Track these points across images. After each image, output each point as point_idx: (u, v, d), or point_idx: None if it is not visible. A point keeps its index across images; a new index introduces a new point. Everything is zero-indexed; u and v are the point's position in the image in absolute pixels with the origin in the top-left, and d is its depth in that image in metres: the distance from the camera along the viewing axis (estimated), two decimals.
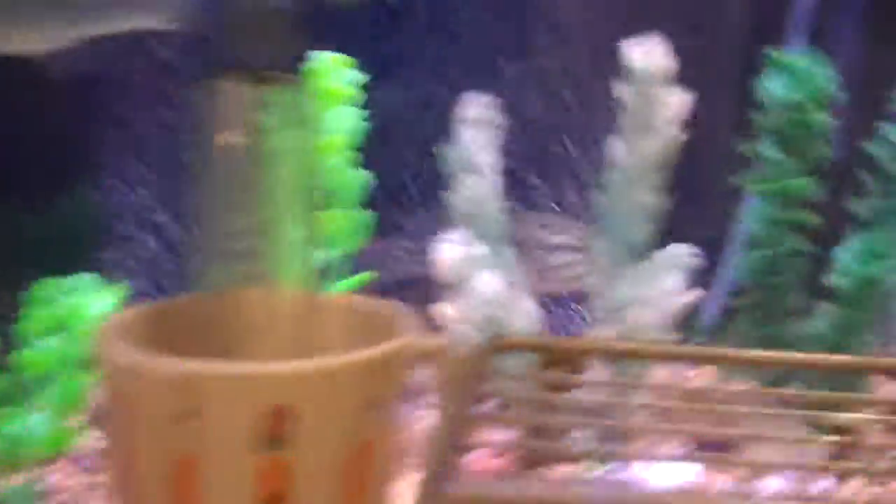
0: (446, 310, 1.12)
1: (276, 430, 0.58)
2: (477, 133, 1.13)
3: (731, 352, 0.81)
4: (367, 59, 1.12)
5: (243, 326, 0.73)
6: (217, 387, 0.57)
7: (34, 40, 1.26)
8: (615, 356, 0.83)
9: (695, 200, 1.45)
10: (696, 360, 0.94)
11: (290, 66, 0.72)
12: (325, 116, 1.01)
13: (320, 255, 0.96)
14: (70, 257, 1.33)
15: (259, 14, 0.71)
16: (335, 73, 1.02)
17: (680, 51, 1.09)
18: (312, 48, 0.94)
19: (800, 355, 0.78)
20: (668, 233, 1.20)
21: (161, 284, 1.46)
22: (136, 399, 0.60)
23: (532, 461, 0.81)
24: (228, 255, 0.75)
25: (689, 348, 0.86)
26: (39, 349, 0.99)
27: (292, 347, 0.72)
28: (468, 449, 0.61)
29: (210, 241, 0.74)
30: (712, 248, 1.29)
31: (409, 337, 0.67)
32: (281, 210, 0.74)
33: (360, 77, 1.10)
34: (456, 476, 0.54)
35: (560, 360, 0.75)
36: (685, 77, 1.12)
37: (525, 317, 1.12)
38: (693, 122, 1.33)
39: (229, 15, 0.71)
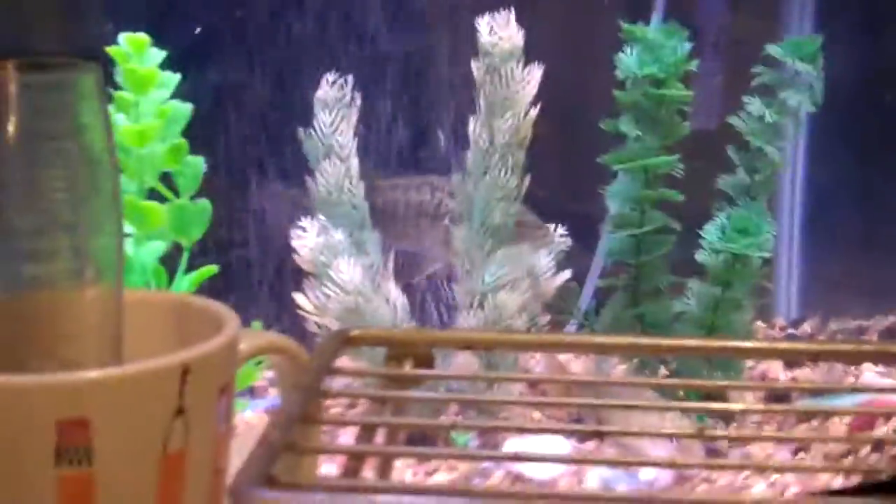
0: (303, 300, 1.08)
1: (76, 443, 0.54)
2: (334, 116, 1.09)
3: (584, 338, 0.78)
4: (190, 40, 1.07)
5: (49, 331, 0.68)
6: (12, 399, 0.52)
7: None
8: (468, 346, 0.80)
9: (570, 179, 1.43)
10: (549, 348, 0.91)
11: (77, 50, 0.67)
12: (138, 101, 0.96)
13: (152, 248, 0.91)
14: None
15: None
16: (140, 56, 0.96)
17: (542, 27, 1.06)
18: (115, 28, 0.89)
19: (669, 340, 0.76)
20: (541, 214, 1.17)
21: None
22: None
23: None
24: (21, 256, 0.68)
25: (538, 336, 0.83)
26: None
27: (103, 353, 0.67)
28: (302, 450, 0.56)
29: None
30: (587, 229, 1.27)
31: (228, 336, 0.62)
32: (81, 206, 0.68)
33: (162, 56, 1.02)
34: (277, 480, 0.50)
35: (412, 353, 0.71)
36: (547, 53, 1.09)
37: (389, 306, 1.09)
38: (564, 100, 1.31)
39: None
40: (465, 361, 1.06)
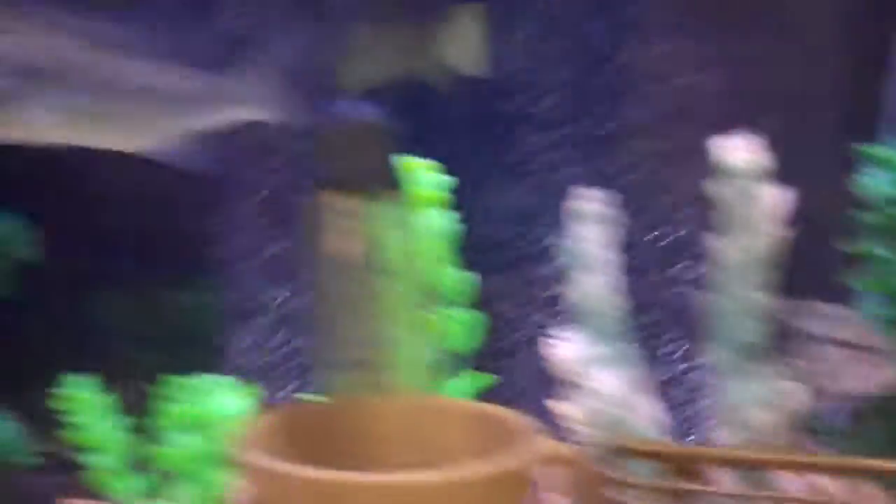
0: (565, 409, 1.13)
1: None
2: (592, 229, 1.14)
3: (861, 462, 0.80)
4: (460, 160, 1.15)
5: (366, 434, 0.76)
6: (353, 495, 0.59)
7: (134, 136, 1.32)
8: (736, 464, 0.83)
9: (804, 298, 1.44)
10: (824, 470, 0.92)
11: (387, 180, 0.76)
12: (419, 220, 1.04)
13: (434, 357, 0.99)
14: (195, 352, 1.39)
15: (356, 131, 0.75)
16: (426, 178, 1.05)
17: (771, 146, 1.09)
18: (404, 154, 0.97)
19: None
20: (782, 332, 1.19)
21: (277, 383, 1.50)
22: (276, 502, 0.63)
23: None
24: (346, 364, 0.78)
25: (817, 458, 0.85)
26: (175, 445, 1.04)
27: (414, 455, 0.74)
28: None
29: (328, 350, 0.77)
30: None
31: (532, 446, 0.69)
32: (393, 316, 0.77)
33: (448, 180, 1.11)
34: None
35: (682, 468, 0.75)
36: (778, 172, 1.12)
37: (647, 419, 1.12)
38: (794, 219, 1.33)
39: (329, 133, 0.75)
40: (723, 477, 1.08)
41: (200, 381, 1.05)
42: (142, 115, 1.30)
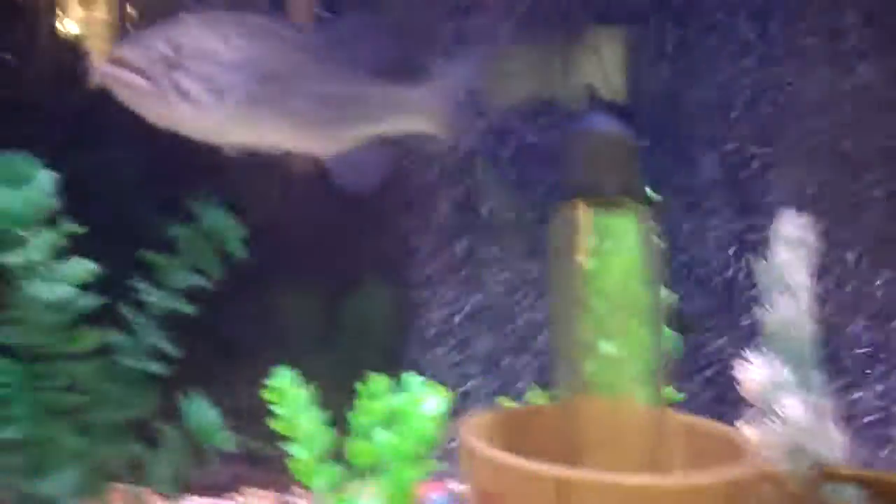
0: (754, 432, 1.13)
1: None
2: (793, 253, 1.14)
3: None
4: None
5: (588, 434, 0.78)
6: (585, 492, 0.61)
7: (327, 141, 1.38)
8: None
9: None
10: None
11: (634, 193, 0.78)
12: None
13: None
14: (388, 350, 1.44)
15: (609, 145, 0.77)
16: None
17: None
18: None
19: None
20: None
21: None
22: (503, 496, 0.66)
23: None
24: (577, 367, 0.80)
25: None
26: (371, 440, 1.07)
27: (636, 461, 0.76)
28: None
29: (561, 353, 0.79)
30: None
31: (754, 462, 0.69)
32: (624, 325, 0.79)
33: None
34: None
35: (886, 493, 0.75)
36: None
37: (831, 445, 1.11)
38: None
39: (579, 144, 0.78)
40: None
41: (398, 379, 1.08)
42: (336, 121, 1.35)
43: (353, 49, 1.40)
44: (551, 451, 0.80)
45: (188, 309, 1.15)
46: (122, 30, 1.98)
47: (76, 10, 2.11)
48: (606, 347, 0.79)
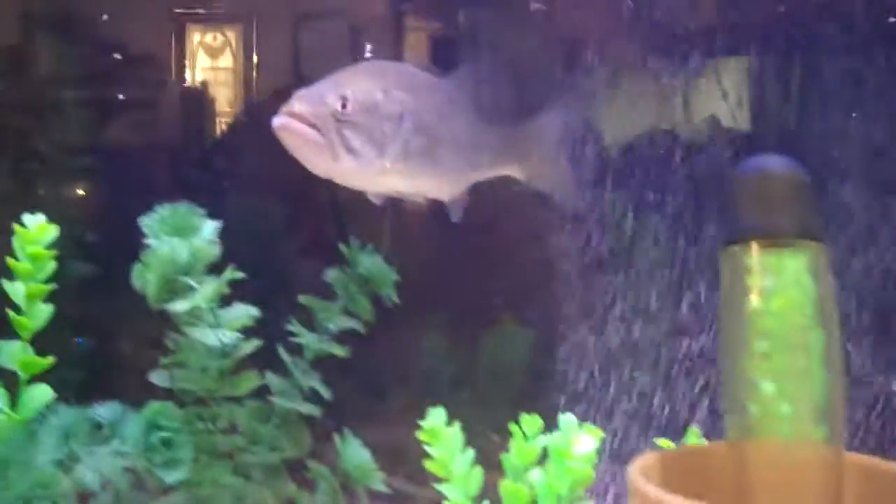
0: None
1: None
2: None
3: None
4: None
5: (760, 477, 0.77)
6: None
7: (447, 186, 1.39)
8: None
9: None
10: None
11: (810, 232, 0.77)
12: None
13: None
14: (536, 390, 1.45)
15: (784, 184, 0.77)
16: None
17: None
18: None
19: None
20: None
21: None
22: None
23: None
24: (746, 408, 0.79)
25: None
26: (525, 481, 1.08)
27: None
28: None
29: (731, 395, 0.79)
30: None
31: None
32: (797, 366, 0.78)
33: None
34: None
35: None
36: None
37: None
38: None
39: (755, 186, 0.77)
40: None
41: (552, 419, 1.09)
42: (465, 166, 1.38)
43: (477, 95, 1.43)
44: (721, 494, 0.79)
45: (341, 352, 1.18)
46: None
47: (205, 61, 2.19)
48: (779, 389, 0.78)
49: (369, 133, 1.24)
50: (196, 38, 2.19)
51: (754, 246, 0.77)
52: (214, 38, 2.22)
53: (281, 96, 1.29)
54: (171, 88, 2.14)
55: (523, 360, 1.54)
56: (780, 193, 0.76)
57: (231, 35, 2.21)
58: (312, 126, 1.21)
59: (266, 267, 1.35)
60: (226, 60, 2.24)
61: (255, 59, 2.18)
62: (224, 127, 2.16)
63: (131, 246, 1.20)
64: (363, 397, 1.51)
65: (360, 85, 1.27)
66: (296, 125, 1.21)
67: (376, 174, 1.27)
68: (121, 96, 2.06)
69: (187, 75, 2.17)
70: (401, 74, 1.34)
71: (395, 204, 1.75)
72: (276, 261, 1.68)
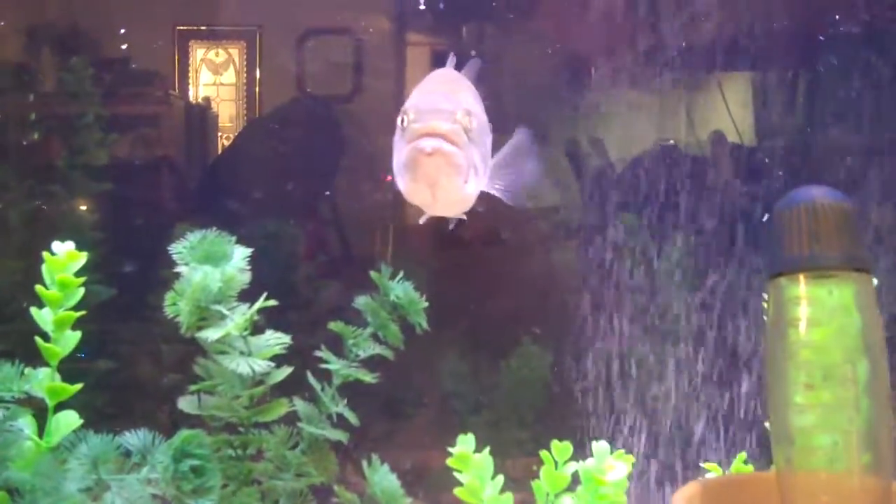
0: None
1: None
2: None
3: None
4: None
5: None
6: None
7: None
8: None
9: None
10: None
11: (856, 262, 0.77)
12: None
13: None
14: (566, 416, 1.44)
15: (831, 215, 0.77)
16: None
17: None
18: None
19: None
20: None
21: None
22: None
23: None
24: (791, 439, 0.79)
25: None
26: None
27: None
28: None
29: (776, 425, 0.79)
30: None
31: None
32: (844, 397, 0.78)
33: None
34: None
35: None
36: None
37: None
38: None
39: (800, 219, 0.77)
40: None
41: (586, 447, 1.09)
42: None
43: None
44: None
45: (369, 378, 1.17)
46: None
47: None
48: (823, 420, 0.78)
49: (483, 152, 1.14)
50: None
51: (801, 278, 0.78)
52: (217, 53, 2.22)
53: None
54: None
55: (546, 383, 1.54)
56: (827, 224, 0.77)
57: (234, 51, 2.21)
58: (456, 146, 1.08)
59: (280, 286, 1.34)
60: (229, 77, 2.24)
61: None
62: (225, 143, 2.16)
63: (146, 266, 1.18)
64: (383, 419, 1.51)
65: (468, 98, 1.17)
66: (448, 148, 1.07)
67: (472, 194, 1.14)
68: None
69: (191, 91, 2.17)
70: (468, 85, 1.23)
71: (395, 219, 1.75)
72: (289, 279, 1.68)
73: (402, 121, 1.09)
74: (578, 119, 1.85)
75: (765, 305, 1.06)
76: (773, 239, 0.78)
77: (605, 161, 1.84)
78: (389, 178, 1.90)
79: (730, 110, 1.82)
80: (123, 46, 2.04)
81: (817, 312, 0.78)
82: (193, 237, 1.08)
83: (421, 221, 1.20)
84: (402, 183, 1.10)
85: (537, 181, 1.21)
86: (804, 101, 1.75)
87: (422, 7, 1.96)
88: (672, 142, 1.80)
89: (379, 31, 2.03)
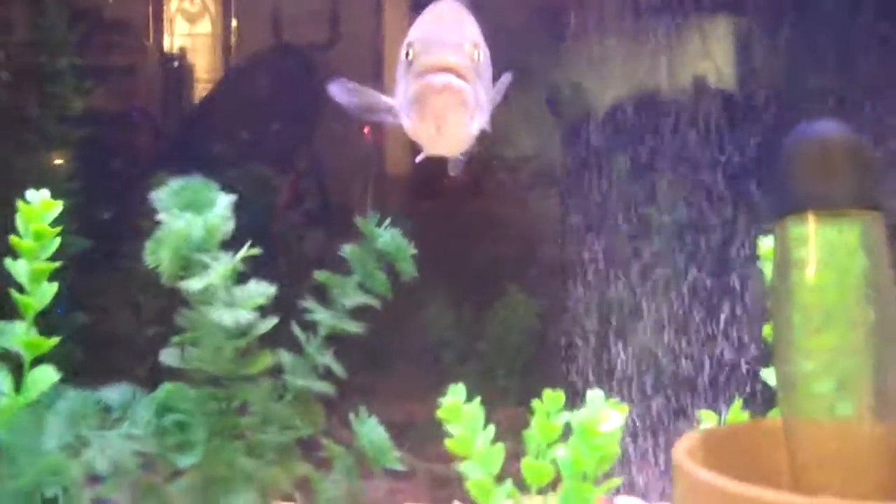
0: None
1: None
2: None
3: None
4: None
5: (808, 455, 0.75)
6: None
7: None
8: None
9: None
10: None
11: (868, 201, 0.75)
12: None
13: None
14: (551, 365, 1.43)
15: (842, 152, 0.74)
16: None
17: None
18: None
19: None
20: None
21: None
22: None
23: None
24: (796, 385, 0.77)
25: None
26: (548, 459, 1.05)
27: (864, 484, 0.73)
28: None
29: (781, 371, 0.77)
30: None
31: None
32: (850, 342, 0.75)
33: None
34: None
35: None
36: None
37: None
38: None
39: (812, 154, 0.75)
40: None
41: (578, 394, 1.06)
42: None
43: None
44: (769, 473, 0.77)
45: (355, 328, 1.14)
46: None
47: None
48: (829, 365, 0.76)
49: (487, 88, 1.08)
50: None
51: (811, 217, 0.75)
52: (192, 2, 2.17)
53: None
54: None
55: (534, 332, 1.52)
56: (838, 161, 0.74)
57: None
58: (465, 80, 1.02)
59: (261, 235, 1.31)
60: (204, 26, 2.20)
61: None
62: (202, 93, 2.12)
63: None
64: (368, 369, 1.48)
65: (473, 29, 1.11)
66: (459, 83, 1.00)
67: (474, 133, 1.09)
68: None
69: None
70: (470, 17, 1.16)
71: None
72: (271, 227, 1.64)
73: (408, 54, 1.04)
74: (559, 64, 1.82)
75: (760, 247, 1.04)
76: (779, 176, 0.75)
77: (586, 106, 1.81)
78: (367, 129, 1.87)
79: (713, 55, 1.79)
80: None
81: (825, 253, 0.75)
82: (175, 184, 1.04)
83: (417, 160, 1.16)
84: (408, 118, 1.05)
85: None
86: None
87: None
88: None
89: None
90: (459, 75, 1.01)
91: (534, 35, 1.78)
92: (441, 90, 0.99)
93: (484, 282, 1.59)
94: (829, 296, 0.76)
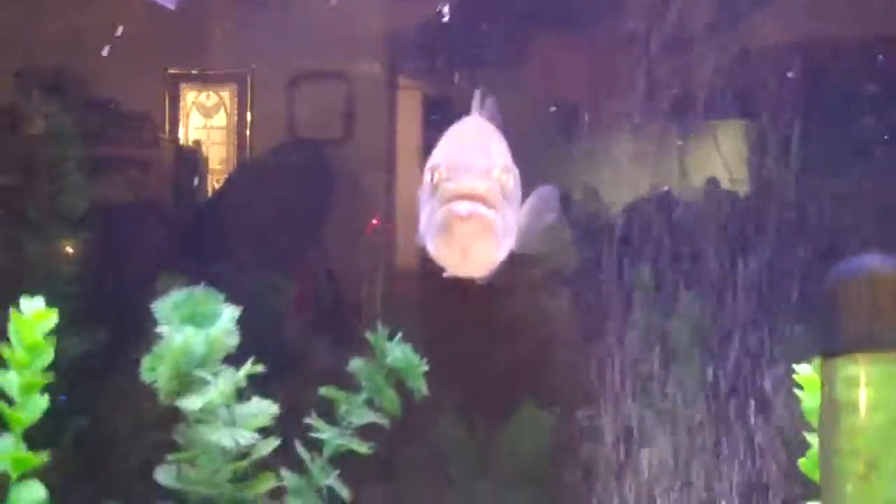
0: None
1: None
2: None
3: None
4: None
5: None
6: None
7: None
8: None
9: None
10: None
11: None
12: None
13: None
14: None
15: (888, 292, 0.69)
16: None
17: None
18: None
19: None
20: None
21: None
22: None
23: None
24: None
25: None
26: None
27: None
28: None
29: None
30: None
31: None
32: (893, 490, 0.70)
33: None
34: None
35: None
36: None
37: None
38: None
39: (860, 292, 0.69)
40: None
41: None
42: None
43: None
44: None
45: (363, 449, 1.08)
46: None
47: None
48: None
49: (516, 208, 1.04)
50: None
51: (860, 358, 0.69)
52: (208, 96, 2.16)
53: None
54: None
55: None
56: (886, 300, 0.68)
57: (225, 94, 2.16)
58: (492, 209, 0.98)
59: (270, 342, 1.26)
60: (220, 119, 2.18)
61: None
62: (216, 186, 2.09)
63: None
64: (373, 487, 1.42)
65: (502, 150, 1.07)
66: (485, 212, 0.96)
67: (502, 255, 1.04)
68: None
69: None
70: (499, 134, 1.12)
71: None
72: (279, 335, 1.59)
73: (433, 177, 1.00)
74: (573, 167, 1.79)
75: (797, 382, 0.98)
76: (826, 314, 0.70)
77: (602, 209, 1.77)
78: (376, 222, 1.84)
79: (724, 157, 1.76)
80: (113, 89, 1.98)
81: (876, 396, 0.70)
82: (178, 295, 0.98)
83: (444, 276, 1.09)
84: (432, 244, 1.00)
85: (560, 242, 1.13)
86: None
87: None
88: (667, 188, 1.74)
89: (370, 75, 1.98)
90: (486, 203, 0.97)
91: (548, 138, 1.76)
92: (467, 219, 0.96)
93: (497, 390, 1.53)
94: (881, 441, 0.70)
